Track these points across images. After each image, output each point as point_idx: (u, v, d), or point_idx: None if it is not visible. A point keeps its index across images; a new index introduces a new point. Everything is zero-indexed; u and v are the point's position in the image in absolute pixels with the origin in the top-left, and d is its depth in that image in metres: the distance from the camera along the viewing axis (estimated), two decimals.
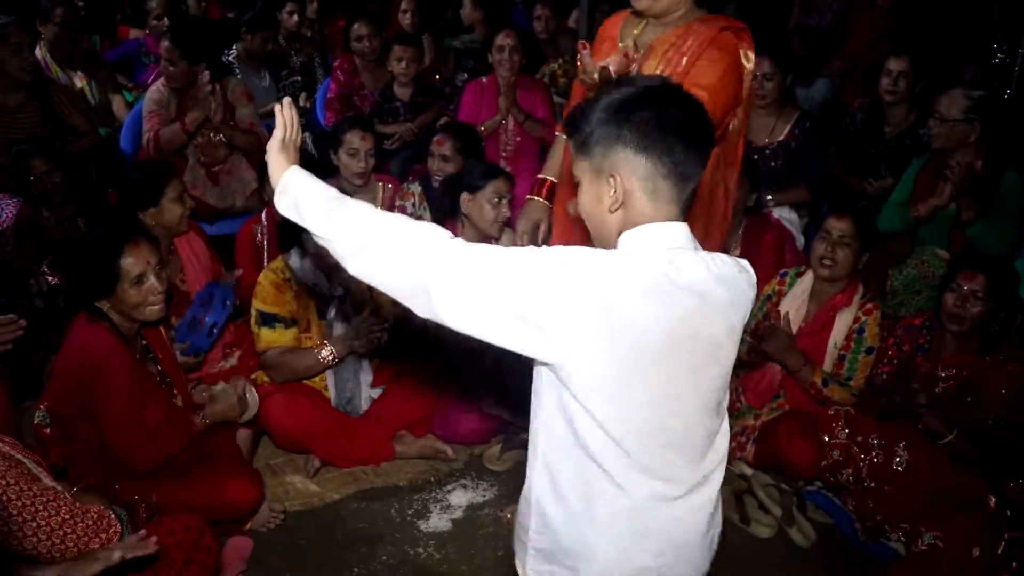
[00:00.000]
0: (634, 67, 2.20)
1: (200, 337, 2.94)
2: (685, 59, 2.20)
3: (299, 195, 1.54)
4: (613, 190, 1.40)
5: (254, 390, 2.72)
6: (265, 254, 3.47)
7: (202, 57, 4.14)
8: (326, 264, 2.96)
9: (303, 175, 1.56)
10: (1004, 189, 3.42)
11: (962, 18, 6.44)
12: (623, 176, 1.39)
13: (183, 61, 4.07)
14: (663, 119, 1.37)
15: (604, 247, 1.45)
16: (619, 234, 1.43)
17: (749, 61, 2.29)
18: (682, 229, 1.42)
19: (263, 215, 3.60)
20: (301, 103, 5.19)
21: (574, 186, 1.52)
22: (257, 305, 2.94)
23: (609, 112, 1.39)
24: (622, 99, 1.40)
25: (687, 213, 1.44)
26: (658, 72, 2.19)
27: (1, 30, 3.87)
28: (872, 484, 2.75)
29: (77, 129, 4.21)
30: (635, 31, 2.36)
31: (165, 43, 4.11)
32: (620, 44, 2.34)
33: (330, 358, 2.93)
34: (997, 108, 3.54)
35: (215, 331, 2.96)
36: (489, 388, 3.23)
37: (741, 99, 2.33)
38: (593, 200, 1.45)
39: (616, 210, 1.41)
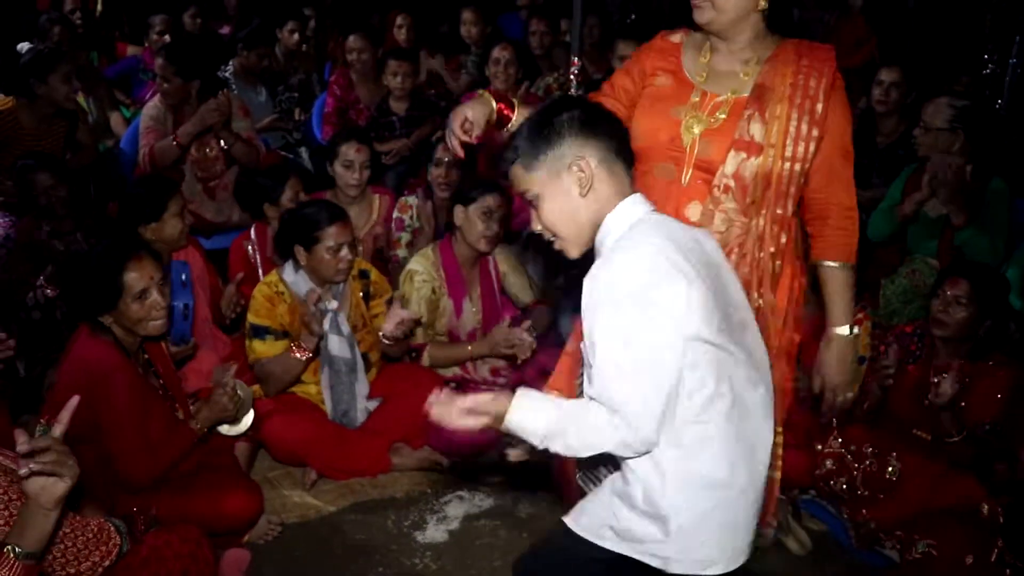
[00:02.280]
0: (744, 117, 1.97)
1: (178, 323, 2.90)
2: (820, 105, 1.95)
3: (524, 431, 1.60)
4: (581, 171, 1.58)
5: (245, 385, 2.70)
6: (259, 269, 3.49)
7: (196, 73, 4.18)
8: (319, 277, 2.99)
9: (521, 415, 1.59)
10: (990, 195, 3.46)
11: (953, 28, 6.50)
12: (587, 159, 1.58)
13: (177, 78, 4.12)
14: (584, 114, 1.61)
15: (580, 243, 1.65)
16: (593, 224, 1.61)
17: None
18: (640, 198, 1.64)
19: (251, 231, 3.62)
20: (296, 117, 5.23)
21: (534, 208, 1.67)
22: (250, 318, 2.97)
23: (535, 126, 1.61)
24: (538, 114, 1.65)
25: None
26: (793, 121, 1.95)
27: (53, 60, 3.96)
28: (866, 492, 2.77)
29: (79, 143, 4.24)
30: (703, 59, 2.06)
31: (160, 60, 4.16)
32: (695, 78, 2.05)
33: (300, 355, 2.93)
34: (982, 117, 3.57)
35: (188, 313, 2.91)
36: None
37: None
38: (561, 200, 1.61)
39: (587, 192, 1.58)
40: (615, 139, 1.62)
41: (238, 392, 2.64)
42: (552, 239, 1.69)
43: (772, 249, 2.02)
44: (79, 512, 2.02)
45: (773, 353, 1.95)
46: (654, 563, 1.59)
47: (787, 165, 1.97)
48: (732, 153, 1.97)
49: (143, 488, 2.40)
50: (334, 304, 3.02)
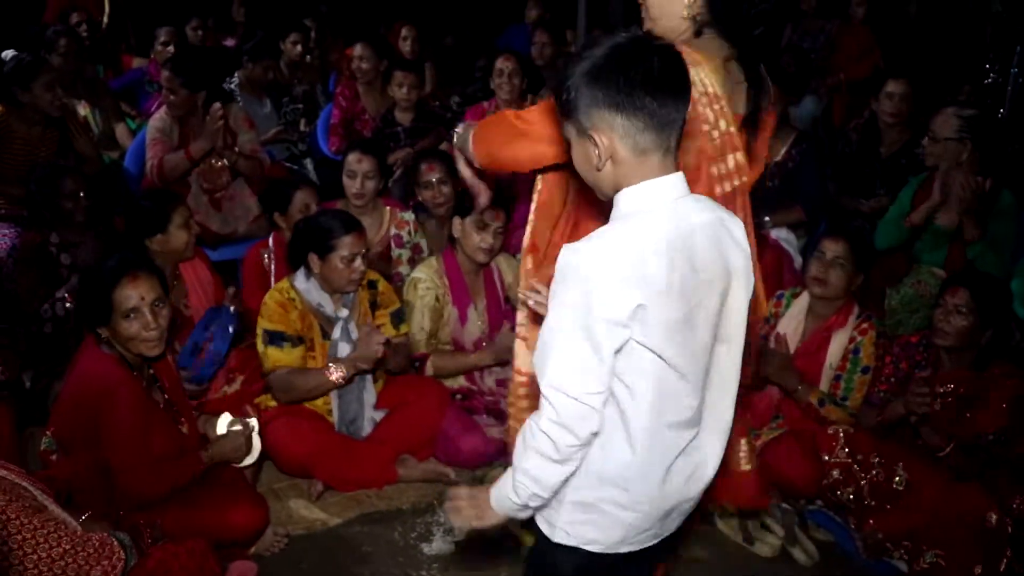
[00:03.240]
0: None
1: (203, 366, 2.97)
2: None
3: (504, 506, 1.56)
4: (597, 147, 1.46)
5: (259, 438, 2.71)
6: (272, 278, 3.49)
7: (202, 85, 4.20)
8: (331, 286, 3.00)
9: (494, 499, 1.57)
10: (999, 208, 3.46)
11: (955, 39, 6.52)
12: (604, 134, 1.44)
13: (183, 90, 4.14)
14: (631, 77, 1.40)
15: (603, 196, 1.54)
16: (612, 187, 1.50)
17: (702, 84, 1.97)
18: (673, 181, 1.48)
19: (270, 240, 3.62)
20: (301, 128, 5.25)
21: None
22: (263, 324, 2.96)
23: (584, 77, 1.44)
24: (593, 63, 1.44)
25: (677, 152, 1.50)
26: None
27: (35, 68, 3.98)
28: (873, 502, 2.76)
29: (82, 155, 4.27)
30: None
31: (166, 72, 4.17)
32: None
33: (338, 377, 2.94)
34: (989, 127, 3.58)
35: (220, 359, 2.98)
36: (492, 410, 3.26)
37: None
38: (582, 159, 1.52)
39: (603, 167, 1.47)
40: (652, 107, 1.41)
41: (254, 438, 2.66)
42: None
43: None
44: (83, 526, 2.03)
45: None
46: (544, 528, 1.61)
47: None
48: None
49: (147, 505, 2.40)
50: (345, 312, 3.02)
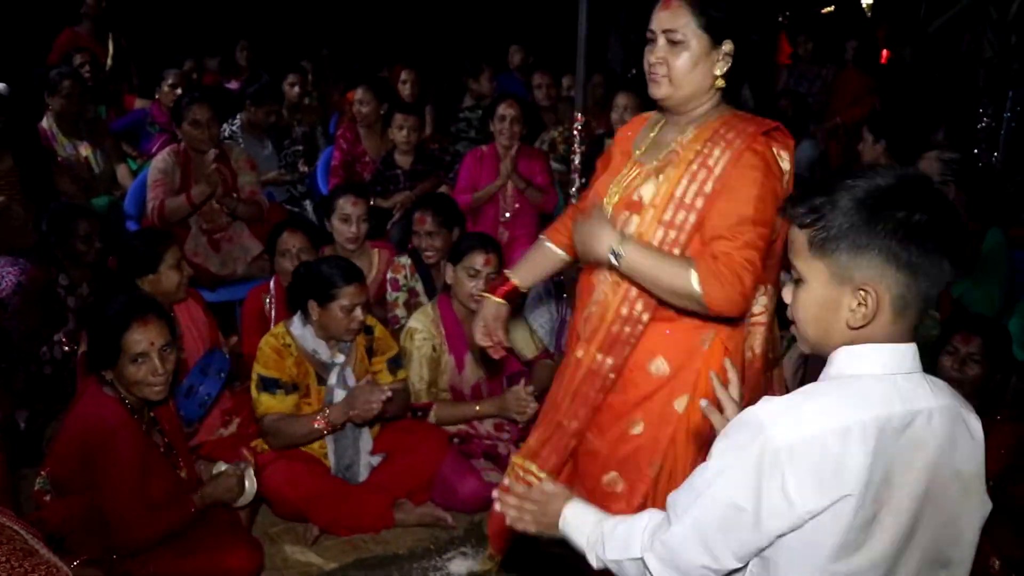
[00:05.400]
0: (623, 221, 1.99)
1: (192, 407, 2.96)
2: (715, 174, 1.89)
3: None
4: (863, 305, 1.20)
5: (254, 478, 2.70)
6: (272, 322, 3.49)
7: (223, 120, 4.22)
8: (328, 334, 3.00)
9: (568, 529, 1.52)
10: (987, 247, 3.49)
11: (948, 83, 6.61)
12: (879, 292, 1.20)
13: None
14: (931, 227, 1.18)
15: (813, 347, 1.30)
16: (841, 343, 1.25)
17: (784, 161, 2.00)
18: (913, 350, 1.25)
19: (271, 283, 3.63)
20: (300, 169, 5.28)
21: (795, 281, 1.30)
22: (258, 370, 2.96)
23: (865, 209, 1.18)
24: (878, 193, 1.19)
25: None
26: (681, 186, 1.92)
27: None
28: None
29: (61, 192, 4.27)
30: (652, 133, 2.06)
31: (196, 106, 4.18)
32: (635, 151, 2.07)
33: (323, 427, 2.93)
34: (973, 169, 3.62)
35: (207, 401, 2.97)
36: (489, 455, 3.24)
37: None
38: (823, 307, 1.25)
39: (858, 328, 1.22)
40: (930, 277, 1.19)
41: (246, 479, 2.65)
42: (789, 316, 1.35)
43: (640, 309, 2.00)
44: (75, 572, 2.00)
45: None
46: None
47: (662, 230, 1.94)
48: (620, 214, 2.00)
49: (140, 549, 2.37)
50: (341, 358, 3.02)
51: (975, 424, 1.28)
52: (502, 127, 4.46)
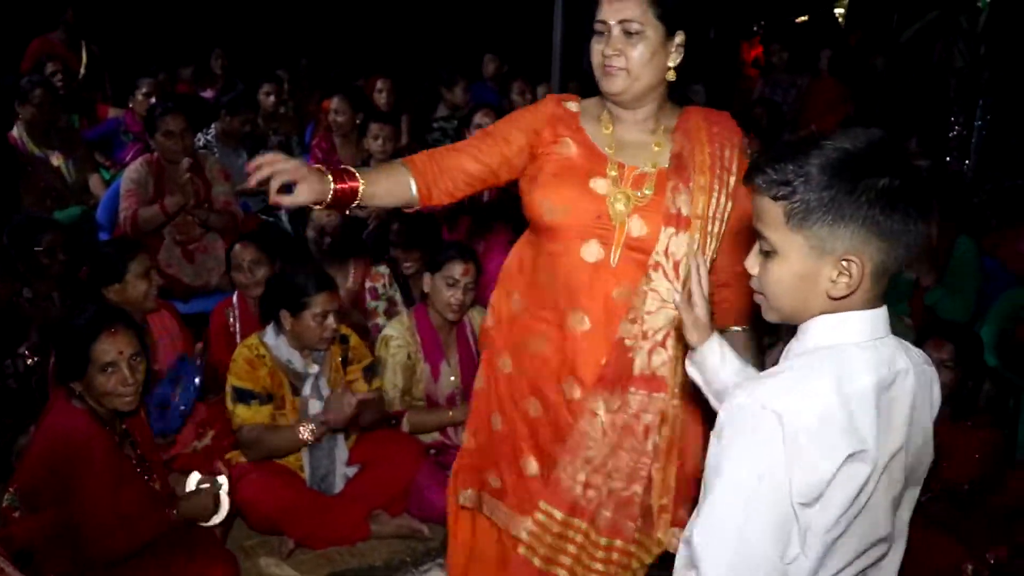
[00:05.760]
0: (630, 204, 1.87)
1: (170, 420, 2.93)
2: (733, 177, 1.86)
3: None
4: (845, 275, 1.19)
5: (227, 497, 2.65)
6: (238, 336, 3.47)
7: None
8: (302, 343, 2.98)
9: None
10: (958, 255, 3.52)
11: (920, 92, 6.70)
12: (863, 260, 1.18)
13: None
14: (907, 191, 1.17)
15: (784, 317, 1.29)
16: (816, 313, 1.25)
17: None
18: (885, 314, 1.26)
19: (234, 297, 3.61)
20: None
21: (764, 252, 1.28)
22: (232, 381, 2.94)
23: (844, 179, 1.16)
24: (853, 160, 1.16)
25: None
26: (715, 193, 1.86)
27: None
28: None
29: (28, 205, 4.22)
30: (605, 130, 1.96)
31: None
32: (606, 149, 1.94)
33: (308, 436, 2.91)
34: (943, 177, 3.64)
35: (186, 412, 2.95)
36: None
37: None
38: (801, 279, 1.23)
39: (839, 299, 1.21)
40: (908, 242, 1.19)
41: (222, 496, 2.62)
42: (753, 287, 1.33)
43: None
44: None
45: None
46: None
47: (708, 240, 1.88)
48: (663, 229, 1.86)
49: (115, 562, 2.35)
50: (315, 368, 3.01)
51: (938, 386, 1.33)
52: None
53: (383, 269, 3.87)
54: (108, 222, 4.38)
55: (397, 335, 3.29)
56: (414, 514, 3.05)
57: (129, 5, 7.58)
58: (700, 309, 1.55)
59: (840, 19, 10.22)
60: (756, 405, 1.19)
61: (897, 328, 3.57)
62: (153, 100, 5.36)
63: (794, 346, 1.29)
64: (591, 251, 1.89)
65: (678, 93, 1.99)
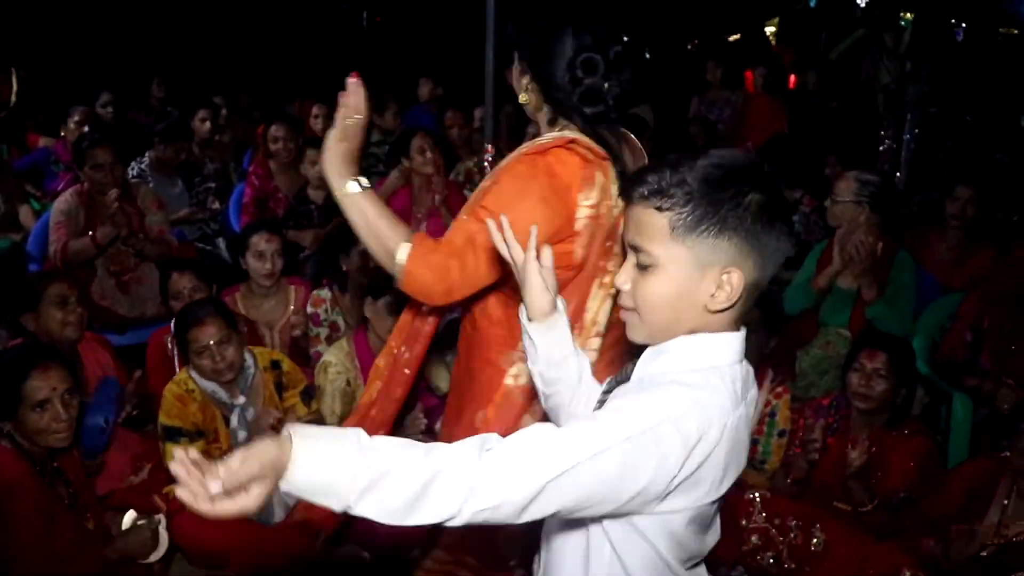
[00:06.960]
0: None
1: (94, 438, 2.82)
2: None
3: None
4: (726, 288, 1.20)
5: (166, 532, 2.61)
6: (176, 365, 3.40)
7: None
8: (207, 377, 2.95)
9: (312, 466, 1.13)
10: (897, 270, 3.60)
11: (850, 107, 6.90)
12: (744, 272, 1.20)
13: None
14: (780, 208, 1.20)
15: (653, 335, 1.27)
16: (686, 332, 1.25)
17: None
18: (743, 338, 1.28)
19: (172, 325, 3.54)
20: (211, 205, 5.17)
21: (641, 266, 1.25)
22: (162, 419, 2.89)
23: (721, 188, 1.17)
24: (734, 175, 1.18)
25: None
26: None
27: None
28: (793, 566, 2.78)
29: None
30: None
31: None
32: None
33: None
34: (887, 191, 3.72)
35: (107, 426, 2.85)
36: None
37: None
38: (681, 292, 1.22)
39: (717, 312, 1.22)
40: (777, 260, 1.22)
41: (160, 532, 2.57)
42: (623, 303, 1.29)
43: None
44: None
45: None
46: None
47: None
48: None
49: None
50: (242, 399, 2.97)
51: (755, 389, 1.34)
52: (423, 159, 4.43)
53: (324, 293, 3.83)
54: (39, 254, 4.28)
55: (336, 361, 3.26)
56: (354, 540, 3.01)
57: (58, 31, 7.46)
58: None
59: (771, 37, 10.48)
60: (668, 407, 1.18)
61: (836, 341, 3.63)
62: (86, 128, 5.27)
63: (652, 366, 1.28)
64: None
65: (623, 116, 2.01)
